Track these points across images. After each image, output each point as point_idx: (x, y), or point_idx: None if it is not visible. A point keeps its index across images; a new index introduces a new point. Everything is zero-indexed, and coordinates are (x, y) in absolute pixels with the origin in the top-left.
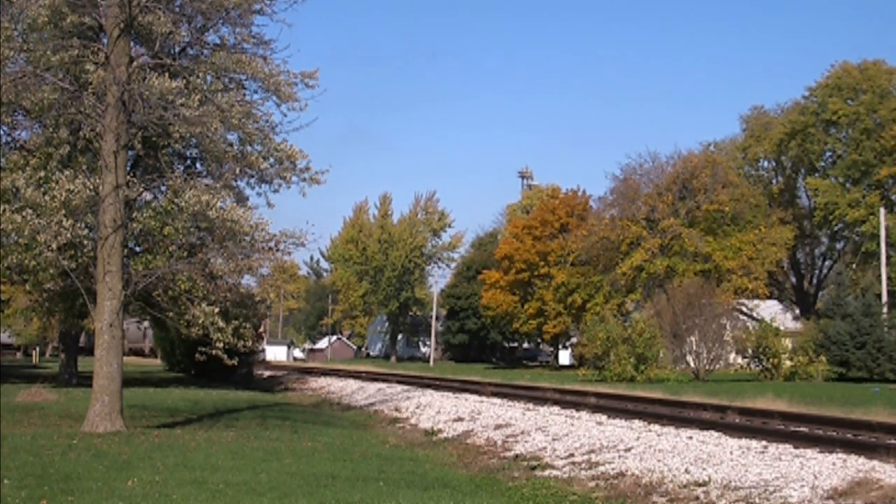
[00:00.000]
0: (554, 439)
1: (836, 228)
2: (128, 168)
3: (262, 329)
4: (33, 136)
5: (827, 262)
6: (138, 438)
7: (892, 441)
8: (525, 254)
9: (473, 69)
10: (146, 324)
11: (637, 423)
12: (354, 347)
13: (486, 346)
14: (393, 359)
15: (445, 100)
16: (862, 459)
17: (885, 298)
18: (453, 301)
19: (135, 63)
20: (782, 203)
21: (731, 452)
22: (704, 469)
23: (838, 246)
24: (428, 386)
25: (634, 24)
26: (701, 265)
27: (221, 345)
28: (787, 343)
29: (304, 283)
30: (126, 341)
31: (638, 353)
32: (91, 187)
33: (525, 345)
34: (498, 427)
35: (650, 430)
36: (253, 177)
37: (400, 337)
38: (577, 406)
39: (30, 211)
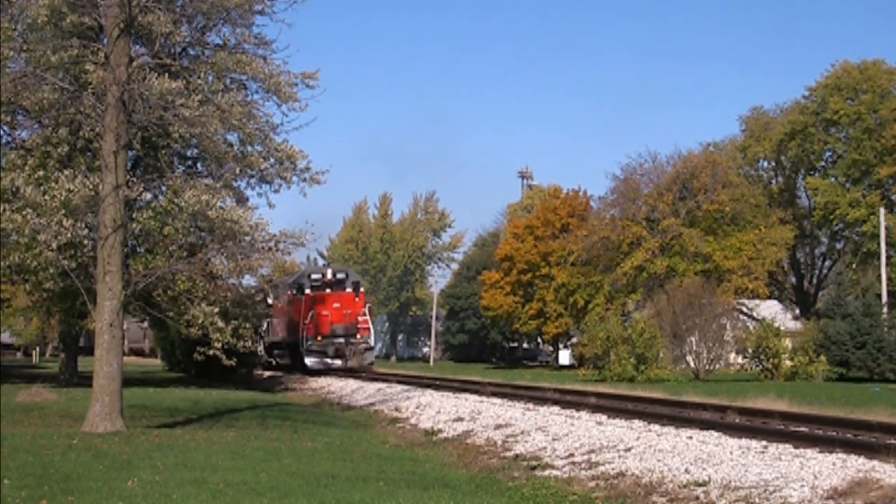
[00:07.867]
0: (554, 439)
1: (836, 228)
2: (128, 168)
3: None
4: (33, 135)
5: (827, 262)
6: (138, 438)
7: (892, 441)
8: (526, 254)
9: (474, 69)
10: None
11: (637, 423)
12: None
13: (487, 346)
14: (393, 359)
15: (445, 99)
16: (862, 459)
17: (885, 298)
18: (453, 301)
19: (135, 63)
20: (782, 203)
21: (731, 452)
22: (704, 469)
23: (838, 246)
24: (428, 386)
25: (634, 24)
26: (701, 265)
27: (220, 345)
28: (788, 343)
29: None
30: None
31: (638, 353)
32: (91, 187)
33: (525, 345)
34: (498, 427)
35: (650, 430)
36: (253, 177)
37: (400, 337)
38: (577, 406)
39: (30, 210)
